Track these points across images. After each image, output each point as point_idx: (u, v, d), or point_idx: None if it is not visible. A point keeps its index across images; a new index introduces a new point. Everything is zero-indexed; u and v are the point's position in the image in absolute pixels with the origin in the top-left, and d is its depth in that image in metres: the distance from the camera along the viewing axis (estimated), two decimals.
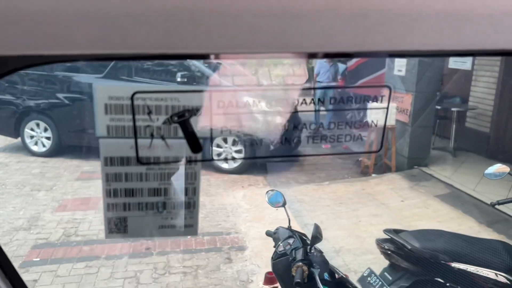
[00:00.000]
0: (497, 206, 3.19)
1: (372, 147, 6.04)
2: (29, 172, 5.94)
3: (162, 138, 0.57)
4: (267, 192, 2.16)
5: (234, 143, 5.86)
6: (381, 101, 0.67)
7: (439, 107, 6.93)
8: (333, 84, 8.24)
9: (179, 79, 5.77)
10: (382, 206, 4.99)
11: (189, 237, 4.12)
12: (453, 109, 6.67)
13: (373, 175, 6.04)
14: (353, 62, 8.06)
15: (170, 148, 0.58)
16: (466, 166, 6.10)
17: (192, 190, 0.64)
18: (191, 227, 0.65)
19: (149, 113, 0.56)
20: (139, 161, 0.58)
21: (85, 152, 6.42)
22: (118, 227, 0.60)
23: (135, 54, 0.42)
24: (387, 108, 0.62)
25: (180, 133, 0.57)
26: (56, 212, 4.71)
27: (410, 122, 6.02)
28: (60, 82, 6.38)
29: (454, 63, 7.37)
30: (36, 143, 6.52)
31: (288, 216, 2.07)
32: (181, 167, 0.61)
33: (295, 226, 2.29)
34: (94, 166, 6.09)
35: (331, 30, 0.42)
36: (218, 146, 5.89)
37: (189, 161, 0.61)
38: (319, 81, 8.39)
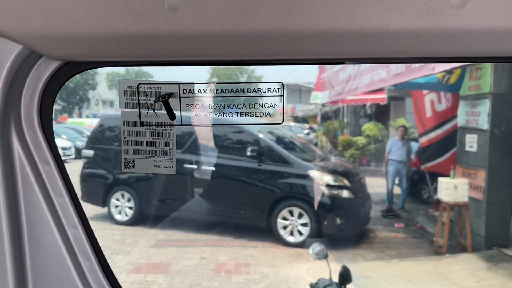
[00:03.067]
0: None
1: (444, 229, 5.81)
2: (111, 238, 6.47)
3: (153, 110, 0.92)
4: (312, 245, 2.29)
5: (300, 215, 5.98)
6: None
7: None
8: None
9: (249, 153, 6.19)
10: (454, 286, 4.70)
11: None
12: None
13: (447, 254, 5.73)
14: (424, 140, 7.99)
15: (158, 116, 0.93)
16: None
17: (170, 144, 0.92)
18: (171, 167, 0.98)
19: (147, 95, 0.92)
20: (141, 123, 0.94)
21: (162, 221, 6.88)
22: (130, 164, 0.91)
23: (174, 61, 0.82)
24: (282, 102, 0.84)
25: (163, 107, 0.92)
26: (130, 274, 5.06)
27: (485, 199, 5.75)
28: None
29: None
30: (120, 212, 7.13)
31: (329, 268, 2.16)
32: (164, 128, 0.90)
33: None
34: (168, 235, 6.50)
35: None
36: (284, 218, 6.04)
37: (167, 125, 0.94)
38: (391, 159, 8.36)
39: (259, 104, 0.90)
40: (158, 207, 6.88)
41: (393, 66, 4.35)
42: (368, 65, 5.47)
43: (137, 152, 0.94)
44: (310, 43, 0.74)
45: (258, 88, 0.87)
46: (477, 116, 5.90)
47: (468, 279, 4.85)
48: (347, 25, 0.69)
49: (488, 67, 5.66)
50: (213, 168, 6.46)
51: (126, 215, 7.09)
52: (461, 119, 6.41)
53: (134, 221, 7.00)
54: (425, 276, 5.06)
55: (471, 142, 6.09)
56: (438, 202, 6.31)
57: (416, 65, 3.84)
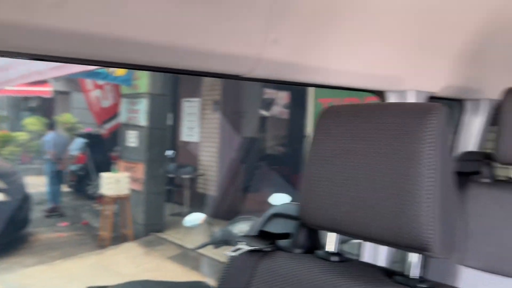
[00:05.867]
0: (201, 250, 3.62)
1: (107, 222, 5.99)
2: None
3: None
4: None
5: None
6: None
7: (173, 176, 7.48)
8: None
9: None
10: (117, 276, 4.91)
11: None
12: (183, 176, 7.30)
13: (111, 246, 5.93)
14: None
15: None
16: (196, 227, 6.65)
17: None
18: None
19: None
20: None
21: None
22: None
23: None
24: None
25: None
26: None
27: (144, 190, 6.28)
28: None
29: (186, 136, 8.19)
30: None
31: None
32: None
33: None
34: None
35: None
36: None
37: None
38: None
39: None
40: None
41: None
42: None
43: None
44: None
45: None
46: (137, 113, 6.37)
47: (129, 266, 5.18)
48: None
49: None
50: None
51: None
52: (123, 116, 6.76)
53: None
54: (90, 271, 5.08)
55: (132, 138, 6.52)
56: (102, 196, 6.45)
57: None
